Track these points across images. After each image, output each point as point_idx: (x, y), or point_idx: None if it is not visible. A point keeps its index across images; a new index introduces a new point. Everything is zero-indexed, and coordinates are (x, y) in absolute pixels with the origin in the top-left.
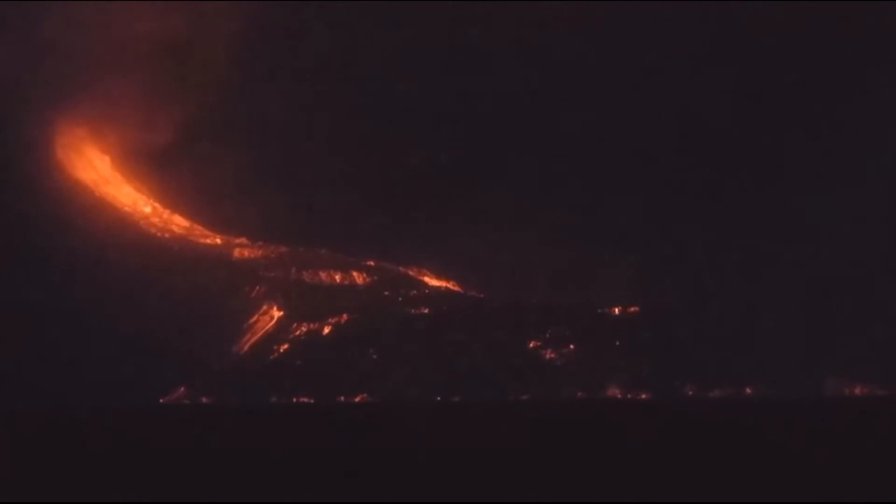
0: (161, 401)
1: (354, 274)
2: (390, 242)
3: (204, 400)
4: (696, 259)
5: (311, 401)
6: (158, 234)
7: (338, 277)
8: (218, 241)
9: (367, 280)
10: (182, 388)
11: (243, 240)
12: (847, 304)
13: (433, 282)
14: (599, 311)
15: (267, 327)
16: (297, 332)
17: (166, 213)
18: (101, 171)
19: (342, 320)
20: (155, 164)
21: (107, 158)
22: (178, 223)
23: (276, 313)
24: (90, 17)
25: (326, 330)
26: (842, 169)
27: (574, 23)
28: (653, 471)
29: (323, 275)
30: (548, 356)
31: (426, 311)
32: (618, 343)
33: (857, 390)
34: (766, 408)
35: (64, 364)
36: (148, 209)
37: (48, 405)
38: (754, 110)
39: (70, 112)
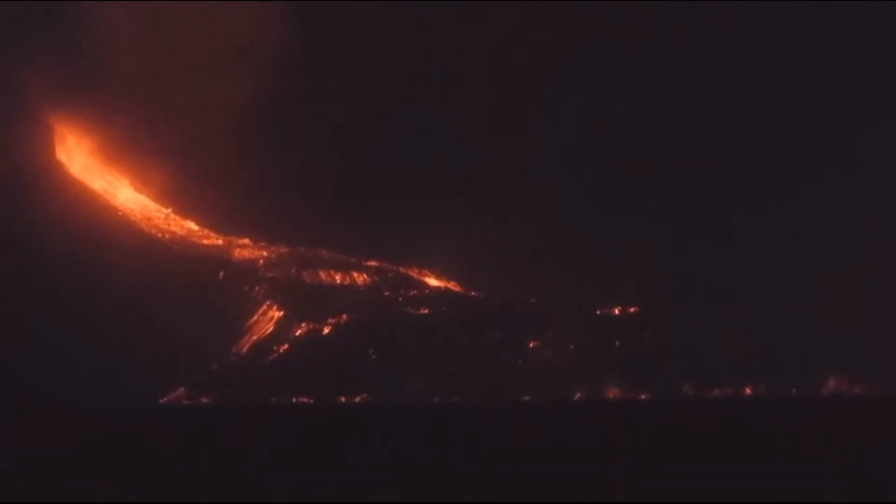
0: (161, 401)
1: (354, 274)
2: (390, 242)
3: (204, 400)
4: (697, 259)
5: (311, 401)
6: (159, 235)
7: (338, 277)
8: (219, 241)
9: (367, 280)
10: (182, 388)
11: (244, 240)
12: (847, 304)
13: (433, 282)
14: (599, 311)
15: (267, 327)
16: (297, 332)
17: (168, 214)
18: (101, 173)
19: (342, 320)
20: (156, 166)
21: (107, 160)
22: (180, 224)
23: (276, 313)
24: (94, 17)
25: (326, 330)
26: (842, 168)
27: (574, 21)
28: (653, 471)
29: (323, 275)
30: (548, 356)
31: (426, 311)
32: (618, 343)
33: (857, 390)
34: (766, 408)
35: (63, 364)
36: (149, 210)
37: (47, 405)
38: (755, 110)
39: (71, 113)
